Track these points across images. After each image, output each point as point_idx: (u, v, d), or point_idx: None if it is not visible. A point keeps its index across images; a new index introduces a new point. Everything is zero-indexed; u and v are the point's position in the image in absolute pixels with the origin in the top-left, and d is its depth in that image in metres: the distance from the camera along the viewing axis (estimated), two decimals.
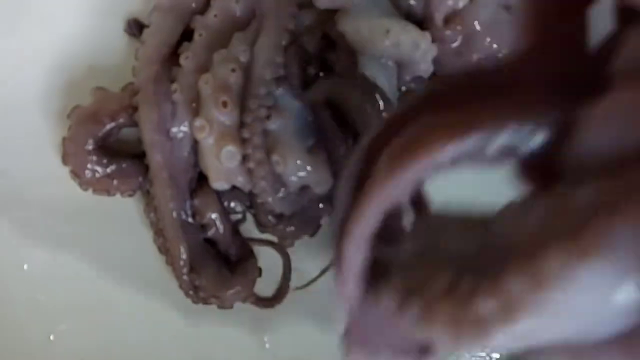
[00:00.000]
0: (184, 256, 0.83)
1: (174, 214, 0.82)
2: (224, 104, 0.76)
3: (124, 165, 0.83)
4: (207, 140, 0.78)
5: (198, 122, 0.78)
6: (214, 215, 0.83)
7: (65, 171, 0.82)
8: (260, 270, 0.86)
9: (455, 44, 0.75)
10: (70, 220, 0.88)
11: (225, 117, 0.76)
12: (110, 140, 0.82)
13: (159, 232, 0.84)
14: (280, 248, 0.87)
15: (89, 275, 0.89)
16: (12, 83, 0.87)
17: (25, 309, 0.87)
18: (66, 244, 0.88)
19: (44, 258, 0.88)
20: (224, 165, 0.78)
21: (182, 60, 0.80)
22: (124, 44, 0.88)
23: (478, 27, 0.75)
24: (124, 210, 0.88)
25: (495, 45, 0.75)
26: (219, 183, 0.80)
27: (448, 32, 0.74)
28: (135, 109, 0.82)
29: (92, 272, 0.89)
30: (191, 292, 0.84)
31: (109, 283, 0.89)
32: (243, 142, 0.76)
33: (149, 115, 0.80)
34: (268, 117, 0.76)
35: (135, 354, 0.90)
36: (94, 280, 0.89)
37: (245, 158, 0.77)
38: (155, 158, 0.81)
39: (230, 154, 0.77)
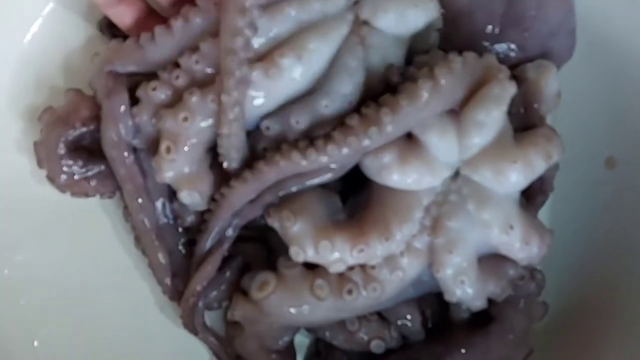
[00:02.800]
0: (163, 262, 0.81)
1: (146, 222, 0.80)
2: (167, 150, 0.75)
3: (101, 167, 0.81)
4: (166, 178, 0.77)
5: (153, 163, 0.77)
6: (194, 218, 0.81)
7: (40, 172, 0.81)
8: (247, 266, 0.84)
9: None
10: (49, 222, 0.87)
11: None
12: (84, 143, 0.80)
13: (137, 238, 0.82)
14: (264, 243, 0.85)
15: (70, 277, 0.87)
16: None
17: (6, 315, 0.85)
18: (46, 246, 0.87)
19: (24, 261, 0.86)
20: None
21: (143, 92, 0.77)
22: (98, 41, 0.86)
23: None
24: (105, 210, 0.88)
25: None
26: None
27: None
28: None
29: (74, 274, 0.87)
30: (175, 296, 0.83)
31: (91, 284, 0.88)
32: None
33: (107, 133, 0.78)
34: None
35: (123, 354, 0.88)
36: (76, 281, 0.87)
37: None
38: (118, 171, 0.79)
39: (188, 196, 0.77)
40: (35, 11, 0.86)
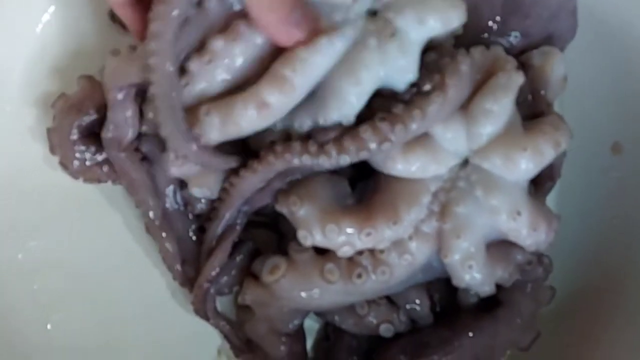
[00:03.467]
0: (171, 250, 0.82)
1: (151, 214, 0.81)
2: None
3: None
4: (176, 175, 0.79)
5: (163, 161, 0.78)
6: (205, 205, 0.82)
7: (53, 160, 0.81)
8: (258, 252, 0.85)
9: None
10: (62, 208, 0.88)
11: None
12: (96, 129, 0.81)
13: (146, 226, 0.83)
14: (275, 228, 0.86)
15: (84, 262, 0.88)
16: None
17: (21, 299, 0.86)
18: (60, 232, 0.88)
19: (38, 247, 0.87)
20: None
21: None
22: (110, 30, 0.87)
23: None
24: (117, 197, 0.88)
25: None
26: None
27: None
28: None
29: (87, 259, 0.88)
30: (186, 283, 0.84)
31: (104, 269, 0.89)
32: None
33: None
34: None
35: (134, 339, 0.89)
36: (88, 266, 0.88)
37: None
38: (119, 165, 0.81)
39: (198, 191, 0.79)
40: (47, 2, 0.86)
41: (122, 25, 0.82)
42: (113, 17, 0.85)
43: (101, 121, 0.79)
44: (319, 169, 0.75)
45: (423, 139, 0.73)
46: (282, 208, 0.77)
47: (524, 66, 0.78)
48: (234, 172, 0.77)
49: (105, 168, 0.81)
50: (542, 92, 0.79)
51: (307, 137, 0.73)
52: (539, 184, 0.80)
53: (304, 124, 0.73)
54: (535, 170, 0.75)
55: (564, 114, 0.79)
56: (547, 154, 0.74)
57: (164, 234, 0.82)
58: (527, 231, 0.74)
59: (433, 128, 0.72)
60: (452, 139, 0.73)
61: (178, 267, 0.83)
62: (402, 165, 0.73)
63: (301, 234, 0.74)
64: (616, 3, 0.84)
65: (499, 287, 0.79)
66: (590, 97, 0.89)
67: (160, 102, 0.69)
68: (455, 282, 0.76)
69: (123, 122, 0.76)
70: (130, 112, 0.76)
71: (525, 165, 0.73)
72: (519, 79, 0.73)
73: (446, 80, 0.70)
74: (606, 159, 0.88)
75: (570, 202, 0.88)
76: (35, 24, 0.86)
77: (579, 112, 0.85)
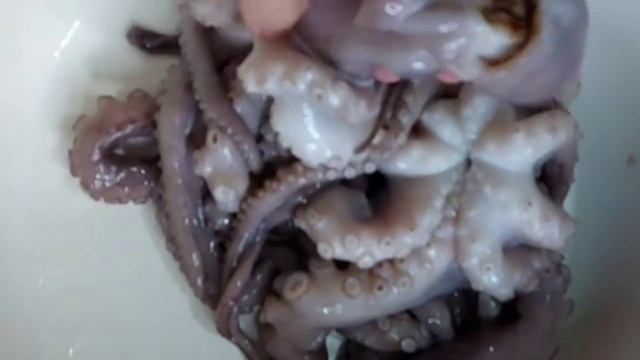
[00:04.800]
0: (196, 264, 0.82)
1: (186, 221, 0.81)
2: (214, 139, 0.77)
3: (133, 171, 0.83)
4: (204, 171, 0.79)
5: (195, 154, 0.79)
6: (226, 221, 0.82)
7: (75, 183, 0.82)
8: (278, 270, 0.85)
9: None
10: (82, 231, 0.88)
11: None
12: (117, 150, 0.81)
13: (171, 239, 0.83)
14: (295, 247, 0.86)
15: (105, 286, 0.88)
16: (14, 95, 0.86)
17: (42, 324, 0.86)
18: (80, 256, 0.88)
19: (59, 272, 0.87)
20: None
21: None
22: (128, 51, 0.88)
23: None
24: (138, 218, 0.88)
25: None
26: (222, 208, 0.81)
27: None
28: (145, 117, 0.82)
29: (108, 283, 0.88)
30: (207, 299, 0.84)
31: (125, 293, 0.88)
32: None
33: (171, 117, 0.80)
34: None
35: None
36: (110, 291, 0.88)
37: None
38: (170, 163, 0.80)
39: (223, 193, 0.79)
40: (65, 26, 0.88)
41: (141, 47, 0.83)
42: (131, 39, 0.86)
43: (124, 139, 0.81)
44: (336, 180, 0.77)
45: (419, 134, 0.76)
46: (300, 222, 0.78)
47: None
48: (252, 193, 0.78)
49: (126, 188, 0.82)
50: None
51: None
52: (552, 188, 0.81)
53: None
54: (534, 154, 0.75)
55: (580, 127, 0.79)
56: (542, 137, 0.74)
57: (192, 242, 0.82)
58: (539, 222, 0.74)
59: (427, 120, 0.75)
60: (448, 129, 0.76)
61: (200, 281, 0.83)
62: (403, 162, 0.75)
63: (321, 247, 0.75)
64: (629, 16, 0.85)
65: (517, 298, 0.80)
66: (606, 110, 0.89)
67: None
68: (474, 285, 0.76)
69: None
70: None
71: (519, 146, 0.74)
72: None
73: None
74: (622, 171, 0.88)
75: (586, 214, 0.88)
76: (54, 49, 0.87)
77: (595, 125, 0.85)
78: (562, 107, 0.78)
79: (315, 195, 0.78)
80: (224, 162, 0.78)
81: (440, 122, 0.75)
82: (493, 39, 0.57)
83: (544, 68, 0.57)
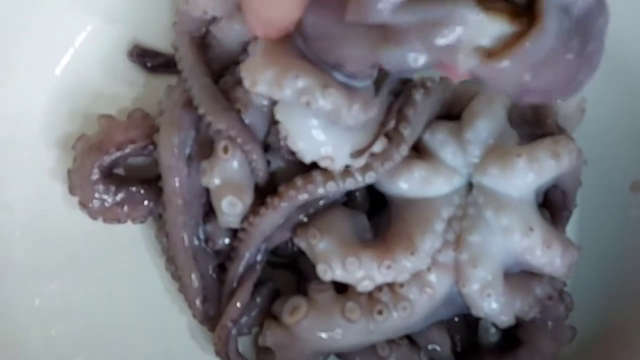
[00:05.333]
0: (195, 284, 0.81)
1: (186, 241, 0.81)
2: (225, 150, 0.77)
3: (133, 191, 0.82)
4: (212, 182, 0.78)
5: (203, 164, 0.78)
6: (226, 240, 0.82)
7: (74, 200, 0.81)
8: (277, 293, 0.85)
9: None
10: (80, 250, 0.87)
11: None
12: (116, 169, 0.81)
13: (170, 259, 0.83)
14: (295, 269, 0.86)
15: (102, 305, 0.87)
16: (14, 111, 0.86)
17: (38, 345, 0.85)
18: (78, 274, 0.87)
19: (56, 290, 0.86)
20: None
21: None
22: (129, 70, 0.87)
23: None
24: (137, 237, 0.88)
25: None
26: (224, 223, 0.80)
27: None
28: (146, 137, 0.81)
29: (105, 303, 0.88)
30: (205, 320, 0.83)
31: (123, 313, 0.88)
32: None
33: (170, 137, 0.79)
34: None
35: None
36: (108, 310, 0.88)
37: None
38: (170, 183, 0.80)
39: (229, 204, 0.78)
40: (66, 43, 0.87)
41: (143, 65, 0.83)
42: (132, 57, 0.86)
43: (123, 158, 0.80)
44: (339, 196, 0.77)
45: (422, 155, 0.76)
46: (300, 241, 0.78)
47: None
48: (253, 211, 0.77)
49: (125, 208, 0.82)
50: (549, 120, 0.80)
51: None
52: (555, 214, 0.81)
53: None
54: (536, 180, 0.75)
55: (584, 152, 0.79)
56: (544, 163, 0.74)
57: (192, 262, 0.81)
58: (541, 248, 0.74)
59: (430, 141, 0.75)
60: (449, 149, 0.75)
61: (198, 303, 0.82)
62: (405, 182, 0.75)
63: (320, 268, 0.74)
64: (635, 40, 0.85)
65: (519, 325, 0.79)
66: (610, 136, 0.89)
67: None
68: (474, 312, 0.76)
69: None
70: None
71: (522, 171, 0.73)
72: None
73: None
74: (625, 197, 0.88)
75: (590, 240, 0.88)
76: (55, 66, 0.87)
77: (599, 151, 0.85)
78: (565, 132, 0.78)
79: (317, 215, 0.78)
80: (232, 172, 0.77)
81: (443, 144, 0.75)
82: (490, 27, 0.53)
83: (553, 59, 0.54)
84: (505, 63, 0.53)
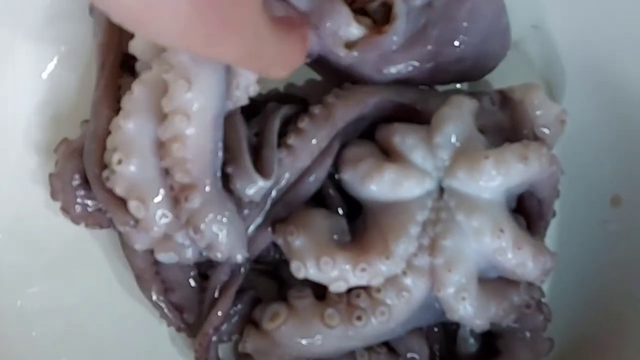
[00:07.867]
0: (161, 299, 0.83)
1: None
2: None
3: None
4: None
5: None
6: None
7: (55, 205, 0.81)
8: (259, 300, 0.84)
9: None
10: (62, 253, 0.88)
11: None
12: None
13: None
14: (276, 277, 0.86)
15: (84, 308, 0.88)
16: None
17: (19, 346, 0.85)
18: (60, 278, 0.87)
19: (38, 293, 0.87)
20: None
21: None
22: None
23: None
24: (119, 241, 0.86)
25: None
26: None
27: None
28: None
29: (87, 305, 0.88)
30: (182, 328, 0.84)
31: (105, 316, 0.88)
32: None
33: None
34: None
35: None
36: (89, 313, 0.88)
37: None
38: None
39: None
40: (51, 49, 0.88)
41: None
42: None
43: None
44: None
45: (392, 157, 0.77)
46: (278, 238, 0.78)
47: (505, 99, 0.82)
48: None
49: (108, 213, 0.81)
50: (525, 131, 0.81)
51: None
52: (532, 224, 0.81)
53: None
54: (505, 182, 0.75)
55: (564, 165, 0.79)
56: (512, 165, 0.74)
57: (149, 285, 0.82)
58: (511, 251, 0.74)
59: (400, 145, 0.77)
60: (417, 152, 0.76)
61: (172, 317, 0.84)
62: (375, 185, 0.75)
63: (294, 265, 0.75)
64: (618, 57, 0.85)
65: (498, 335, 0.80)
66: (591, 150, 0.90)
67: None
68: (449, 315, 0.76)
69: None
70: None
71: (489, 173, 0.74)
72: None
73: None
74: (605, 211, 0.88)
75: (569, 252, 0.88)
76: (41, 71, 0.88)
77: (579, 164, 0.86)
78: (541, 140, 0.79)
79: (296, 212, 0.79)
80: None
81: (413, 148, 0.76)
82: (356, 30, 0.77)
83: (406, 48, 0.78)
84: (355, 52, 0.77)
